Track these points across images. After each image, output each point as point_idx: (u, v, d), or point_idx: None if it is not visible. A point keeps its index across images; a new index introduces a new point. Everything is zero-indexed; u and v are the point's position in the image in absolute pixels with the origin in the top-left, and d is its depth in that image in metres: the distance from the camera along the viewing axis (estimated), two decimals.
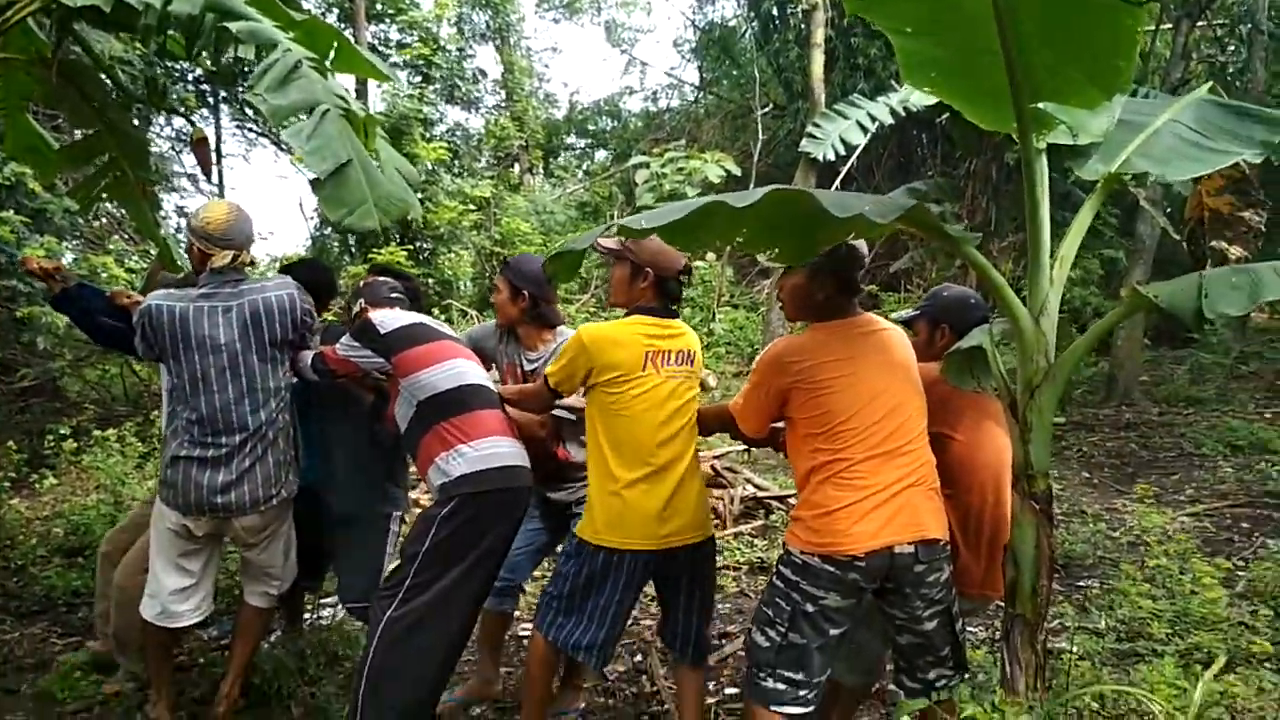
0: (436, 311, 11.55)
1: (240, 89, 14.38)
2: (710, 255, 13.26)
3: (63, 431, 6.75)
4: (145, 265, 8.68)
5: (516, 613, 3.96)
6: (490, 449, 3.09)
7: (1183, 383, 11.72)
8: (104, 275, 7.89)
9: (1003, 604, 2.86)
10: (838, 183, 11.94)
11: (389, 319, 3.24)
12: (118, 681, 3.72)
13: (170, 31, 3.81)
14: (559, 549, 3.54)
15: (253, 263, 3.39)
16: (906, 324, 3.22)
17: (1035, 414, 2.66)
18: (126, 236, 10.56)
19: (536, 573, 4.10)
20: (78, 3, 3.65)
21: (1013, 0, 2.32)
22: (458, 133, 17.03)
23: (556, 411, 3.40)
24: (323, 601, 4.28)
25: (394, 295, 3.47)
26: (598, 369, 3.00)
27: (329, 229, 14.50)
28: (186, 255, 3.49)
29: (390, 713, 2.96)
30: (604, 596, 2.99)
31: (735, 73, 20.42)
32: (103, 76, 4.78)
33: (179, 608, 3.31)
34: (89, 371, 9.33)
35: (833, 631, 2.64)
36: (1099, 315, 10.90)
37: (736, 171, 12.09)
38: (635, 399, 2.98)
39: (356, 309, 3.46)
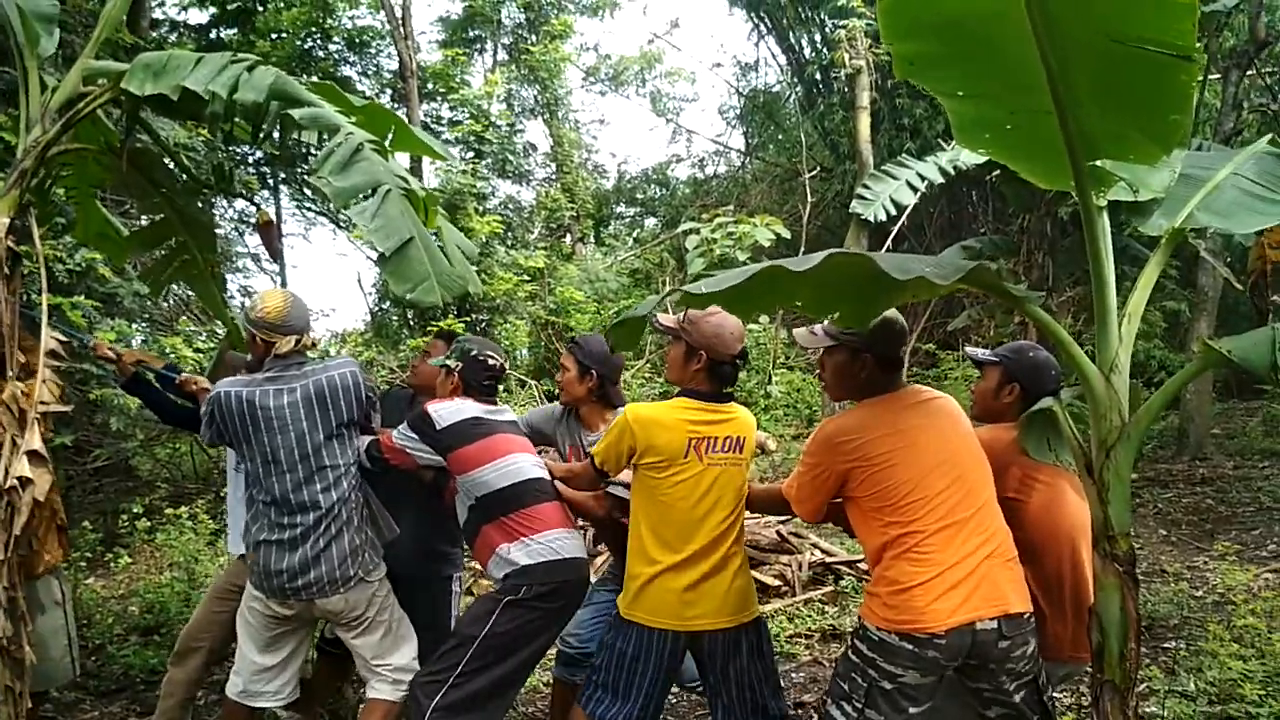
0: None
1: (300, 170, 14.83)
2: (764, 317, 13.24)
3: (135, 510, 6.88)
4: (213, 345, 8.90)
5: None
6: (554, 541, 3.13)
7: (1256, 435, 11.37)
8: (172, 356, 8.11)
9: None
10: (889, 242, 11.90)
11: (447, 413, 3.27)
12: None
13: (235, 119, 3.96)
14: None
15: (314, 344, 3.47)
16: (978, 364, 3.19)
17: (1112, 474, 2.60)
18: (193, 317, 10.86)
19: None
20: (146, 92, 3.79)
21: (1065, 60, 2.32)
22: (510, 205, 17.33)
23: (611, 489, 3.40)
24: None
25: (485, 384, 3.47)
26: (640, 450, 3.02)
27: (388, 304, 14.76)
28: (248, 346, 3.58)
29: None
30: (636, 673, 2.99)
31: (781, 137, 20.57)
32: (169, 163, 4.96)
33: (262, 688, 3.34)
34: (160, 450, 9.56)
35: (912, 710, 2.58)
36: (1164, 368, 10.68)
37: (786, 234, 12.10)
38: (674, 486, 3.00)
39: (449, 366, 3.49)
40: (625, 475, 3.27)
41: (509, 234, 15.32)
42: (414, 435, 3.27)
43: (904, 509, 2.64)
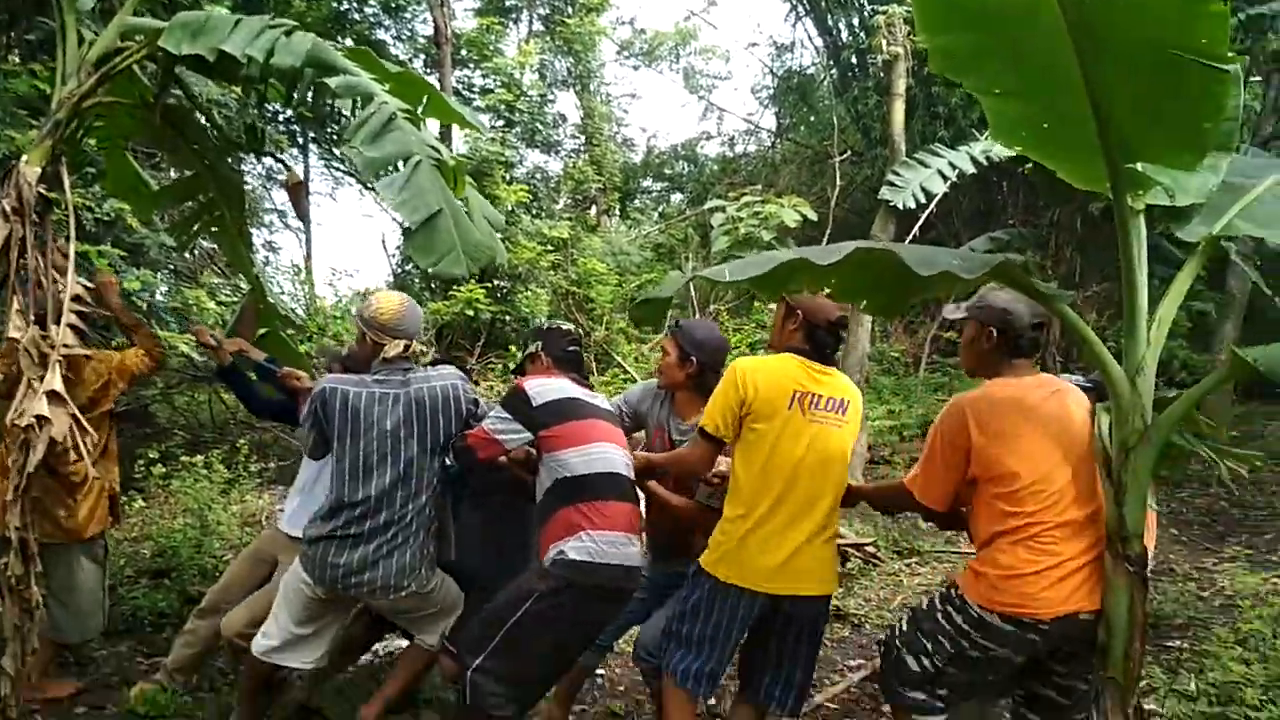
0: (514, 349, 11.69)
1: (329, 130, 14.84)
2: None
3: (152, 456, 6.98)
4: (236, 299, 8.97)
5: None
6: (611, 543, 3.06)
7: (1274, 438, 11.28)
8: (195, 308, 8.18)
9: None
10: (916, 230, 11.82)
11: (543, 390, 3.21)
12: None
13: (270, 82, 3.98)
14: None
15: (424, 354, 3.48)
16: (954, 324, 3.22)
17: (1130, 476, 2.60)
18: (217, 270, 10.92)
19: None
20: (183, 51, 3.81)
21: (1098, 62, 2.31)
22: (537, 175, 17.32)
23: (705, 499, 3.37)
24: None
25: (569, 351, 3.42)
26: (749, 399, 2.99)
27: (410, 265, 14.80)
28: (356, 344, 3.62)
29: None
30: (709, 625, 3.00)
31: (813, 119, 20.41)
32: (202, 120, 4.99)
33: (292, 653, 3.39)
34: (178, 398, 9.64)
35: (990, 677, 2.73)
36: (1187, 368, 10.59)
37: (813, 217, 12.03)
38: (778, 436, 2.97)
39: (530, 350, 3.47)
40: (723, 466, 3.21)
41: (535, 203, 15.32)
42: (507, 415, 3.17)
43: (1026, 499, 2.69)
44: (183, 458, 7.01)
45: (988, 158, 9.44)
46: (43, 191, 3.83)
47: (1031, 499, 2.68)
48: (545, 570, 3.07)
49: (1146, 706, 3.60)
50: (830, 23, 16.97)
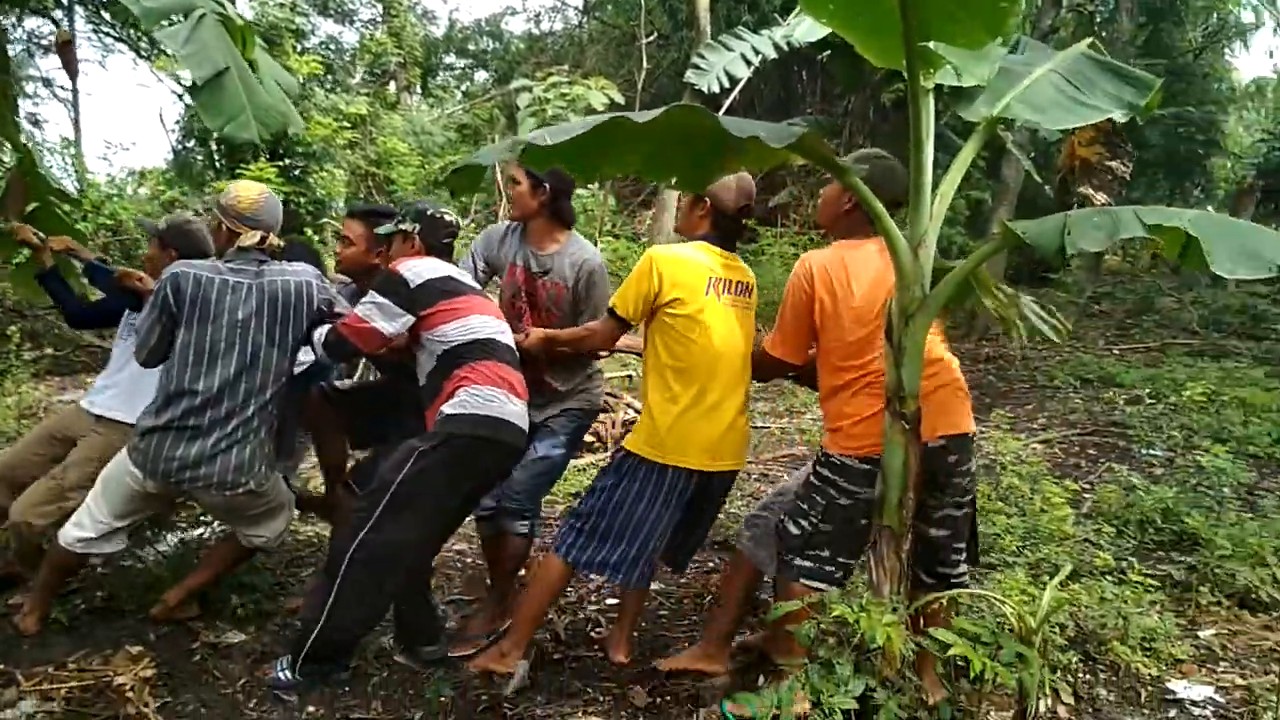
0: (310, 231, 11.17)
1: None
2: (594, 185, 13.19)
3: None
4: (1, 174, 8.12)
5: None
6: (495, 399, 3.06)
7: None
8: None
9: None
10: (720, 115, 12.02)
11: (420, 269, 3.13)
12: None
13: None
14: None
15: (279, 248, 3.31)
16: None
17: (910, 340, 2.78)
18: None
19: None
20: None
21: None
22: (331, 46, 16.38)
23: (622, 344, 3.43)
24: None
25: (445, 243, 3.34)
26: (666, 289, 3.07)
27: (192, 142, 13.79)
28: (212, 233, 3.46)
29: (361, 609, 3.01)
30: (640, 511, 3.10)
31: None
32: None
33: (102, 545, 3.26)
34: None
35: (860, 523, 2.88)
36: (964, 253, 11.37)
37: (620, 100, 11.97)
38: (697, 324, 3.08)
39: (405, 229, 3.32)
40: (631, 341, 3.30)
41: (329, 77, 14.51)
42: (384, 299, 3.08)
43: (856, 351, 2.90)
44: None
45: (789, 43, 9.63)
46: None
47: (860, 351, 2.91)
48: (425, 434, 3.07)
49: None
50: None
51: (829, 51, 9.82)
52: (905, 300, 2.81)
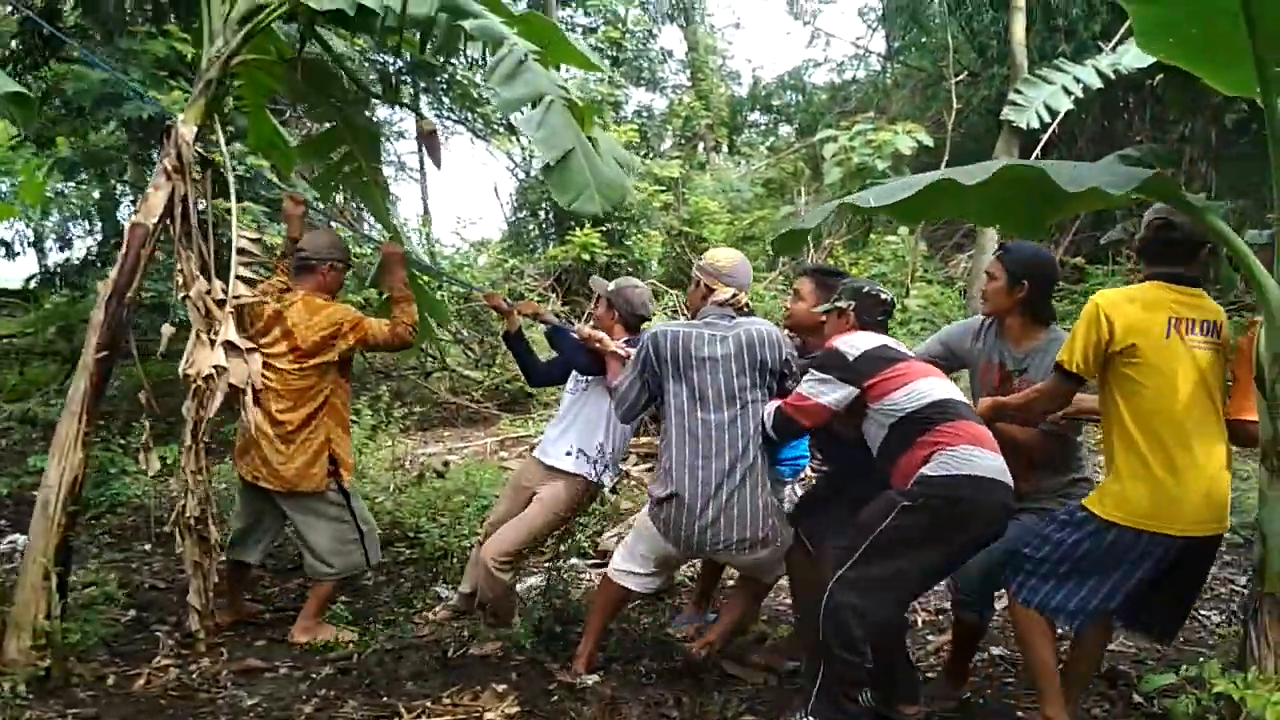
0: None
1: (439, 79, 15.08)
2: (903, 229, 12.95)
3: None
4: (368, 251, 9.26)
5: None
6: (971, 456, 2.97)
7: None
8: None
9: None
10: (1038, 151, 11.43)
11: (856, 343, 3.24)
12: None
13: (405, 30, 4.10)
14: None
15: (749, 308, 3.65)
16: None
17: None
18: (344, 224, 11.28)
19: None
20: (323, 7, 3.97)
21: None
22: (643, 114, 17.27)
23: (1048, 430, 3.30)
24: None
25: (879, 320, 3.44)
26: (1118, 336, 2.85)
27: (524, 213, 15.01)
28: (690, 290, 3.85)
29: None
30: (1103, 572, 2.92)
31: (925, 40, 19.68)
32: (340, 73, 5.17)
33: (643, 582, 3.69)
34: None
35: None
36: None
37: (929, 142, 11.72)
38: (1161, 370, 2.84)
39: (841, 307, 3.44)
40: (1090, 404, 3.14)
41: (643, 143, 15.30)
42: (825, 376, 3.19)
43: None
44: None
45: (1115, 70, 8.99)
46: (200, 150, 4.07)
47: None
48: (903, 491, 3.02)
49: None
50: None
51: (1160, 77, 9.08)
52: (1277, 344, 2.58)
